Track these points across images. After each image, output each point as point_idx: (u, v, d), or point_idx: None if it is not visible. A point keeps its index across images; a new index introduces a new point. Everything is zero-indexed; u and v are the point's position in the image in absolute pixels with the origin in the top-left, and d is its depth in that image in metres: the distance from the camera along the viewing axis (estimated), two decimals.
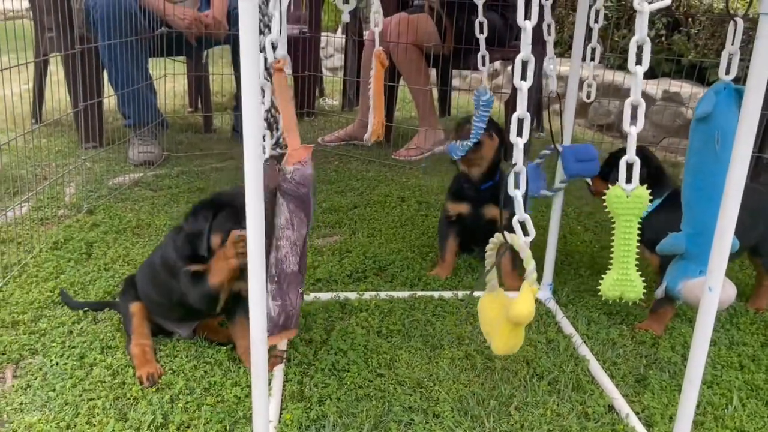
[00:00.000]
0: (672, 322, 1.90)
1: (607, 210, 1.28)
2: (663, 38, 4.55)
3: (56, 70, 3.93)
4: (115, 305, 1.79)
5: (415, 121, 4.02)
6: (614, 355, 1.74)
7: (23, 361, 1.60)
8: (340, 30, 6.68)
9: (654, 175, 1.84)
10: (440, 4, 3.53)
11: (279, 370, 1.58)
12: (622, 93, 4.24)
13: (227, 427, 1.39)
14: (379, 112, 1.76)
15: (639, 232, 1.86)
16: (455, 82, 5.31)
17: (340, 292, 1.99)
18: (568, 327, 1.85)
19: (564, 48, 5.17)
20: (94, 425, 1.38)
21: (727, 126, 1.41)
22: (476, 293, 1.90)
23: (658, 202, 1.85)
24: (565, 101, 1.87)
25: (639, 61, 1.11)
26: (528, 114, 1.11)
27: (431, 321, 1.87)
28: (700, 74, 4.19)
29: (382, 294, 2.01)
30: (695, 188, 1.55)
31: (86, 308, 1.82)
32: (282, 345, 1.69)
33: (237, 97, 3.91)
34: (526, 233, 1.12)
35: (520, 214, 1.12)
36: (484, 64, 1.85)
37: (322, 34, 5.08)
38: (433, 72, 3.94)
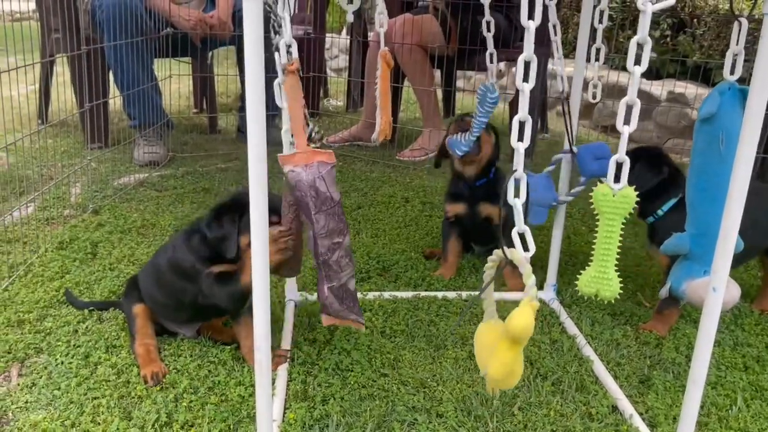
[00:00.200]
0: (676, 323, 1.90)
1: (592, 207, 1.28)
2: (668, 39, 4.54)
3: (62, 71, 3.95)
4: (120, 305, 1.80)
5: (420, 121, 4.02)
6: (618, 355, 1.73)
7: (29, 359, 1.61)
8: (344, 31, 6.69)
9: (671, 176, 1.84)
10: (445, 4, 3.53)
11: (283, 369, 1.58)
12: (627, 94, 4.23)
13: (231, 426, 1.39)
14: (385, 112, 1.77)
15: (651, 232, 1.87)
16: (460, 82, 5.31)
17: None
18: (572, 327, 1.85)
19: (569, 49, 5.16)
20: (99, 424, 1.38)
21: (732, 126, 1.41)
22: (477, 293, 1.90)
23: (673, 202, 1.84)
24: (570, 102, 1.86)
25: (638, 61, 1.11)
26: (530, 117, 1.06)
27: (435, 321, 1.87)
28: (705, 75, 4.18)
29: (386, 294, 2.01)
30: (699, 189, 1.55)
31: (91, 308, 1.83)
32: (286, 344, 1.69)
33: (242, 97, 3.92)
34: (526, 248, 1.04)
35: (520, 225, 1.04)
36: (492, 62, 1.84)
37: (327, 35, 5.09)
38: (437, 73, 3.94)
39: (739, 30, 1.28)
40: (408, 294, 2.02)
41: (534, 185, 1.89)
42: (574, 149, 1.84)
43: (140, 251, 2.23)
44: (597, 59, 1.70)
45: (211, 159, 3.44)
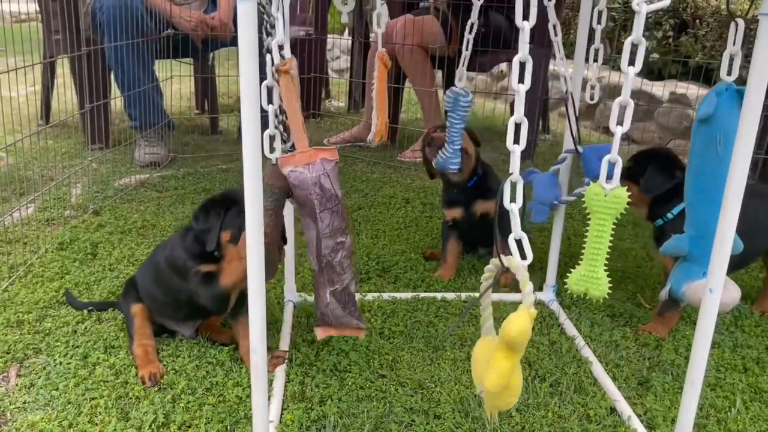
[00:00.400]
0: (675, 325, 1.89)
1: (584, 206, 1.28)
2: (670, 40, 4.54)
3: (63, 72, 3.96)
4: (119, 305, 1.80)
5: (421, 122, 4.02)
6: (617, 357, 1.73)
7: (27, 360, 1.61)
8: (346, 32, 6.69)
9: (682, 178, 1.83)
10: (446, 5, 3.53)
11: (281, 370, 1.58)
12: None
13: (228, 427, 1.39)
14: (382, 113, 1.76)
15: (659, 235, 1.85)
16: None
17: None
18: (571, 329, 1.84)
19: (572, 50, 5.15)
20: (96, 424, 1.39)
21: (729, 127, 1.40)
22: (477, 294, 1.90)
23: (683, 206, 1.83)
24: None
25: (632, 62, 1.10)
26: (525, 119, 1.02)
27: (434, 322, 1.87)
28: (707, 76, 4.17)
29: (385, 295, 2.01)
30: (697, 190, 1.54)
31: (90, 308, 1.83)
32: (284, 345, 1.69)
33: None
34: (523, 255, 0.99)
35: (516, 231, 1.00)
36: (463, 65, 1.84)
37: (329, 36, 5.09)
38: (438, 74, 3.94)
39: (736, 30, 1.28)
40: (407, 295, 2.02)
41: (538, 182, 1.89)
42: (580, 149, 1.83)
43: (140, 252, 2.23)
44: (596, 60, 1.70)
45: (212, 160, 3.45)
